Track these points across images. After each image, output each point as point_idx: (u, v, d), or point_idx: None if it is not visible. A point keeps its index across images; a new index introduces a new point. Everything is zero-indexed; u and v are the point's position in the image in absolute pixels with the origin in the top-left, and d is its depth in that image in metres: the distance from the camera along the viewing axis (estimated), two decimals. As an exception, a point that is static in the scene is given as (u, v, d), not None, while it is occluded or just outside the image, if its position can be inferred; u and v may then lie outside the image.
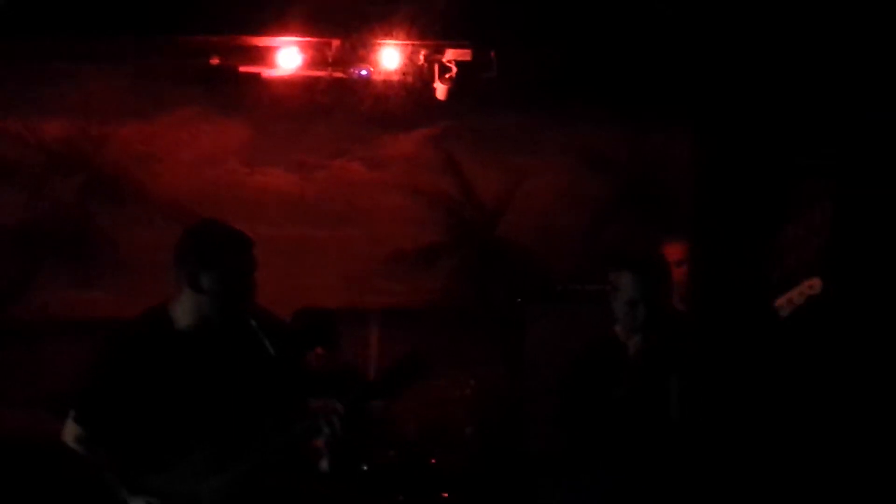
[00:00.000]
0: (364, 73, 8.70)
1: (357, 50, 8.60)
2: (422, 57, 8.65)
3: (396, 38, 8.45)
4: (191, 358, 4.67)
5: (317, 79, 8.76)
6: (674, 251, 6.77)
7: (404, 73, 8.72)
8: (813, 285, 5.66)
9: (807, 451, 7.56)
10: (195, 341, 4.70)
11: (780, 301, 5.74)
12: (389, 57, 8.63)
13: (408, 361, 4.86)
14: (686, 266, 6.84)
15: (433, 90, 8.71)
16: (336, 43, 8.53)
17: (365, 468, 7.66)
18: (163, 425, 4.65)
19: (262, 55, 8.55)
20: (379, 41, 8.50)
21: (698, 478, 5.43)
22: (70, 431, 4.75)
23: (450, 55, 8.59)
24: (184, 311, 4.71)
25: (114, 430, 4.68)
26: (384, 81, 8.80)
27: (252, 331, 4.65)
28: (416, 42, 8.52)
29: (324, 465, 4.98)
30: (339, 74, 8.71)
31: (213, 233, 4.74)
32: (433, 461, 8.08)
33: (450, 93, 8.65)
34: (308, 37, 8.41)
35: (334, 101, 8.99)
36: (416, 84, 8.78)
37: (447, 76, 8.62)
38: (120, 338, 4.79)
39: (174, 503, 4.62)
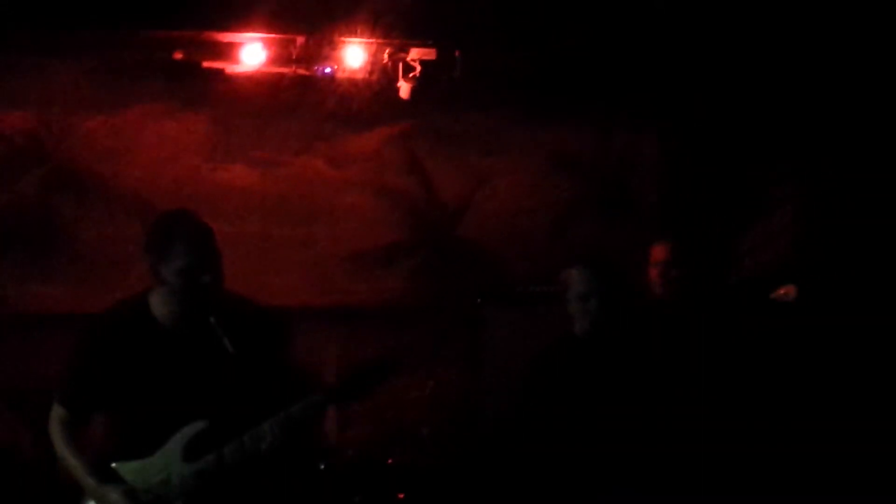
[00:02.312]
0: (328, 70, 8.71)
1: (322, 47, 8.61)
2: (386, 56, 8.66)
3: (361, 37, 8.47)
4: (163, 347, 4.75)
5: (281, 76, 8.77)
6: (657, 252, 6.76)
7: (369, 72, 8.73)
8: (787, 292, 5.68)
9: (771, 452, 7.58)
10: (167, 331, 4.77)
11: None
12: (354, 55, 8.64)
13: (377, 365, 4.89)
14: (662, 267, 6.79)
15: (397, 89, 8.73)
16: (301, 40, 8.54)
17: (322, 467, 7.66)
18: (136, 412, 4.73)
19: (226, 51, 8.54)
20: (343, 39, 8.52)
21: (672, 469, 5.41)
22: (54, 415, 4.81)
23: (414, 54, 8.61)
24: (157, 301, 4.79)
25: (94, 411, 4.80)
26: (348, 79, 8.81)
27: (212, 328, 4.66)
28: (380, 41, 8.54)
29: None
30: (303, 72, 8.72)
31: (173, 224, 4.76)
32: (390, 461, 8.08)
33: (414, 92, 8.66)
34: (272, 33, 8.42)
35: (298, 98, 8.99)
36: (380, 83, 8.80)
37: (411, 75, 8.63)
38: (100, 321, 4.87)
39: (143, 493, 4.67)
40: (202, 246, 4.71)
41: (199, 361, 4.74)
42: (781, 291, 5.70)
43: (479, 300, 8.59)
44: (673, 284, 6.67)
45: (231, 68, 8.65)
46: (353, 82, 8.81)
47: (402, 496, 7.91)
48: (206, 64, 8.58)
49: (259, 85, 8.82)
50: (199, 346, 4.73)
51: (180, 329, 4.77)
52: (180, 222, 4.76)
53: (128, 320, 4.80)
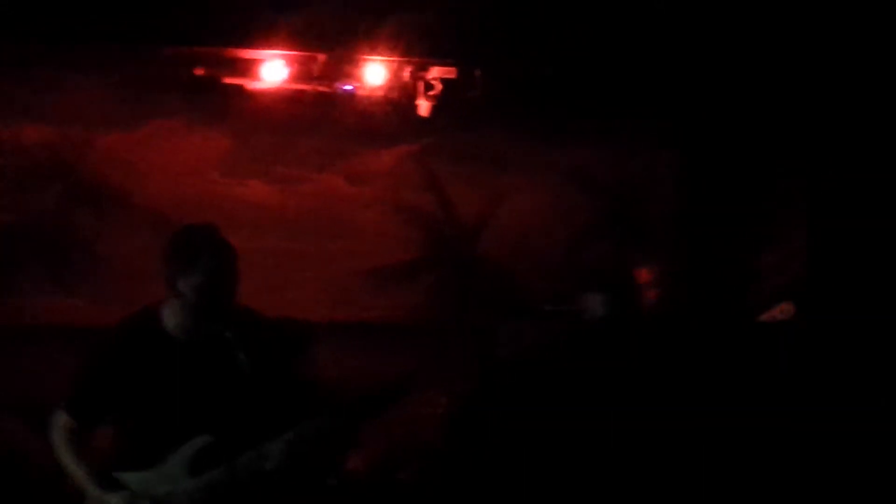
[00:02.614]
0: (349, 88, 8.72)
1: (343, 65, 8.63)
2: (407, 74, 8.67)
3: (382, 55, 8.48)
4: (173, 358, 4.69)
5: (302, 92, 8.78)
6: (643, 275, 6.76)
7: (389, 90, 8.74)
8: (784, 310, 5.68)
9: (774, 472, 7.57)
10: (178, 343, 4.72)
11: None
12: (375, 73, 8.65)
13: (393, 386, 4.88)
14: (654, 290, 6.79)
15: (417, 107, 8.74)
16: (322, 58, 8.56)
17: (333, 483, 7.65)
18: (144, 423, 4.67)
19: (247, 67, 8.56)
20: (365, 57, 8.53)
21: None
22: (57, 422, 4.75)
23: (435, 73, 8.63)
24: (169, 313, 4.73)
25: (101, 421, 4.73)
26: (369, 97, 8.82)
27: (227, 342, 4.65)
28: (401, 59, 8.55)
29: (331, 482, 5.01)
30: (324, 89, 8.74)
31: (197, 239, 4.74)
32: (401, 477, 8.07)
33: (434, 110, 8.68)
34: (294, 50, 8.43)
35: (318, 115, 9.01)
36: (400, 100, 8.81)
37: (431, 93, 8.64)
38: (113, 332, 4.82)
39: (145, 502, 4.64)
40: (224, 264, 4.69)
41: (210, 374, 4.71)
42: (776, 311, 5.69)
43: (495, 318, 8.58)
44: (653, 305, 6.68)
45: (252, 85, 8.66)
46: (373, 100, 8.83)
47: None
48: (226, 80, 8.60)
49: (279, 101, 8.84)
50: (210, 360, 4.71)
51: (192, 341, 4.74)
52: (204, 238, 4.73)
53: (139, 331, 4.76)
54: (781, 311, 5.65)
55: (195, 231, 4.78)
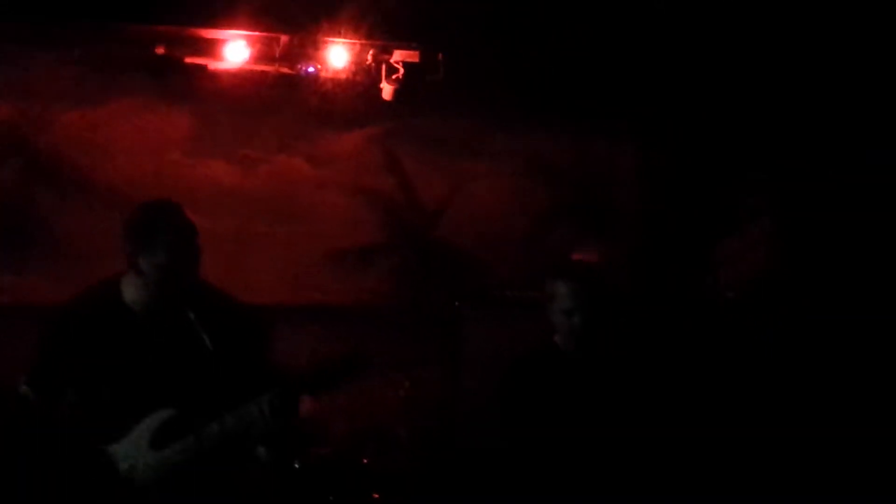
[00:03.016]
0: (311, 70, 8.70)
1: (305, 47, 8.62)
2: (369, 56, 8.67)
3: (345, 37, 8.46)
4: (134, 333, 4.71)
5: (264, 74, 8.76)
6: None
7: (352, 72, 8.73)
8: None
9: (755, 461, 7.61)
10: (139, 318, 4.73)
11: None
12: (337, 55, 8.65)
13: (345, 359, 4.86)
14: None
15: (380, 90, 8.73)
16: (284, 38, 8.55)
17: (297, 466, 7.65)
18: (105, 397, 4.68)
19: (209, 47, 8.54)
20: (327, 39, 8.51)
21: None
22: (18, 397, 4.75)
23: (397, 56, 8.62)
24: (130, 288, 4.74)
25: (62, 394, 4.72)
26: (331, 79, 8.81)
27: (188, 319, 4.64)
28: (364, 41, 8.54)
29: (261, 452, 4.96)
30: (286, 70, 8.72)
31: (158, 217, 4.72)
32: (365, 461, 8.07)
33: (396, 93, 8.68)
34: (256, 31, 8.41)
35: (280, 96, 8.99)
36: (363, 83, 8.80)
37: (394, 77, 8.64)
38: (71, 305, 4.84)
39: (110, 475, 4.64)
40: (185, 243, 4.69)
41: (170, 350, 4.71)
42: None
43: (456, 303, 8.59)
44: None
45: (214, 65, 8.63)
46: (336, 82, 8.82)
47: (377, 496, 7.90)
48: (188, 60, 8.57)
49: (242, 82, 8.81)
50: (171, 336, 4.71)
51: (152, 317, 4.74)
52: (166, 215, 4.73)
53: (99, 305, 4.76)
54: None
55: (156, 207, 4.79)
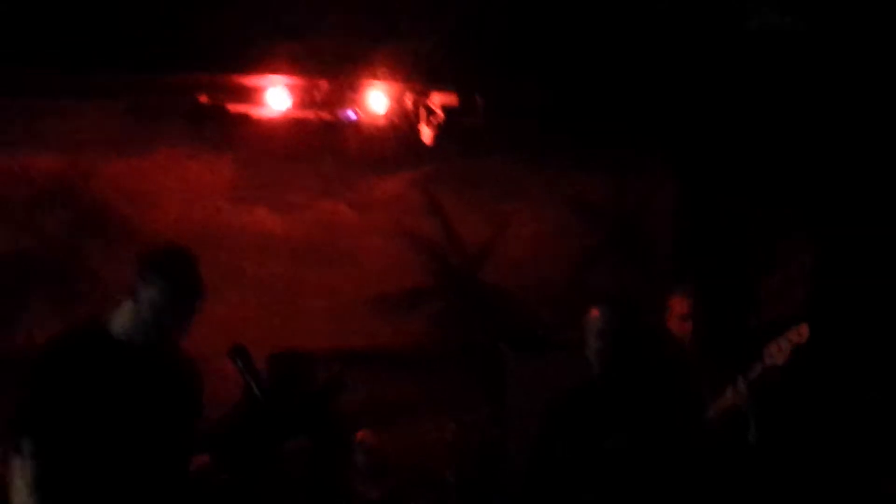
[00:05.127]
0: (351, 114, 8.75)
1: (345, 92, 8.65)
2: (408, 100, 8.70)
3: (384, 81, 8.51)
4: (116, 360, 4.69)
5: (305, 120, 8.81)
6: (676, 304, 6.62)
7: (391, 117, 8.77)
8: (801, 332, 5.65)
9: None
10: (124, 352, 4.71)
11: (771, 348, 5.74)
12: (376, 99, 8.68)
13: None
14: (681, 319, 6.65)
15: (419, 133, 8.77)
16: (324, 84, 8.59)
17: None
18: (89, 435, 4.62)
19: (250, 94, 8.59)
20: (366, 84, 8.56)
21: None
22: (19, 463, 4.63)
23: (436, 99, 8.66)
24: (121, 318, 4.74)
25: (56, 437, 4.62)
26: (371, 124, 8.84)
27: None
28: (402, 85, 8.58)
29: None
30: (326, 116, 8.76)
31: (174, 259, 4.78)
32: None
33: (436, 136, 8.70)
34: (297, 77, 8.47)
35: (321, 142, 9.03)
36: (402, 127, 8.83)
37: (433, 120, 8.68)
38: (52, 343, 4.84)
39: None
40: (187, 298, 4.72)
41: (148, 381, 4.73)
42: (795, 331, 5.65)
43: (500, 345, 8.60)
44: (690, 336, 6.53)
45: (256, 112, 8.69)
46: (375, 127, 8.85)
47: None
48: (230, 107, 8.64)
49: (283, 129, 8.86)
50: (150, 368, 4.74)
51: (134, 355, 4.72)
52: (184, 264, 4.78)
53: (82, 337, 4.79)
54: (798, 333, 5.59)
55: (178, 253, 4.84)
